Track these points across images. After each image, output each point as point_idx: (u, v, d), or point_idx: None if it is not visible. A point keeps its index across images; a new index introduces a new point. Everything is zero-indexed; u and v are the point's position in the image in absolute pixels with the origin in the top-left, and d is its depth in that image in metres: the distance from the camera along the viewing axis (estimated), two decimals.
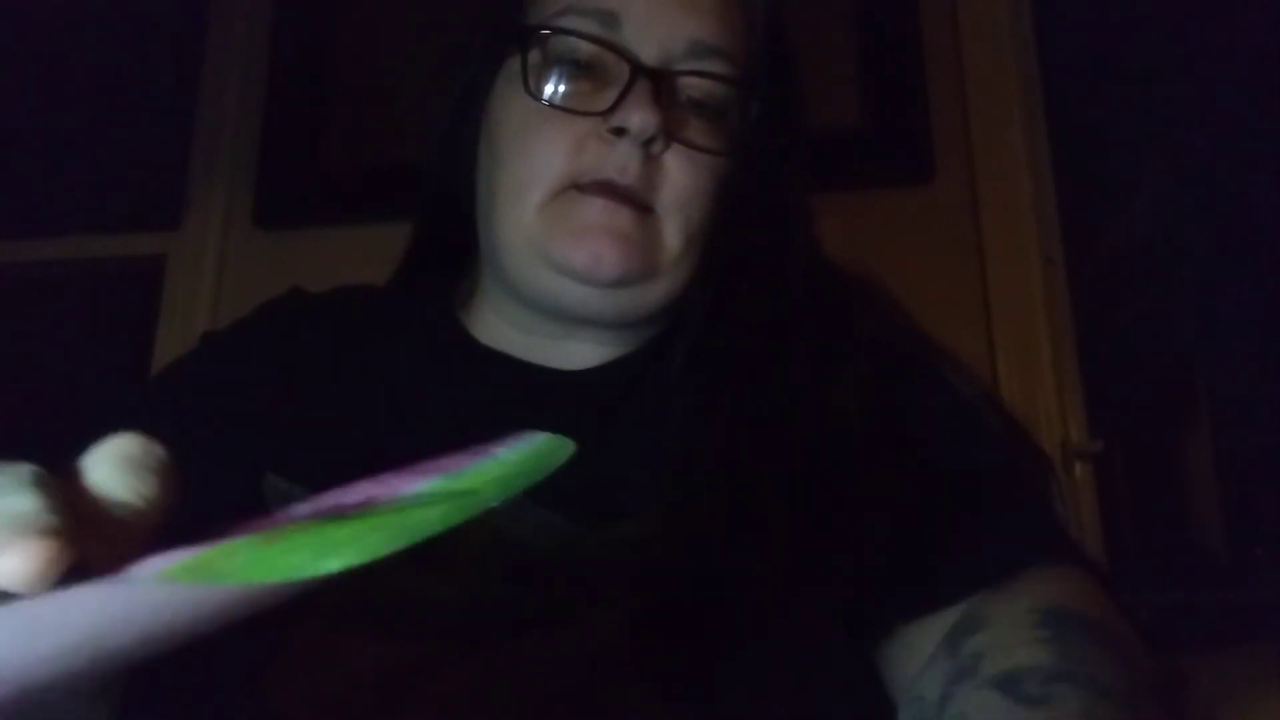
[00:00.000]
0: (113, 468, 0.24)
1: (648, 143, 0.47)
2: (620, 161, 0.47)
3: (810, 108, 0.59)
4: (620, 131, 0.47)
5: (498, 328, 0.54)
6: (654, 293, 0.50)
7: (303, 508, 0.22)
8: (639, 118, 0.46)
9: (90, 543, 0.21)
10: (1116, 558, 1.21)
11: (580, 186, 0.48)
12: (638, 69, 0.48)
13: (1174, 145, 1.45)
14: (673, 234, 0.49)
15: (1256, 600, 1.16)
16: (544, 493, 0.44)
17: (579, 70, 0.49)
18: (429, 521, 0.22)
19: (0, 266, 1.32)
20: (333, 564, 0.21)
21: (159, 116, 1.30)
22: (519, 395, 0.50)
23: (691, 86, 0.49)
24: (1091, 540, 1.07)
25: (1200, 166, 1.42)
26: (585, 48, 0.49)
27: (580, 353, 0.52)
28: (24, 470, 0.23)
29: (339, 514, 0.22)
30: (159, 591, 0.20)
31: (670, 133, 0.48)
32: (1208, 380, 1.51)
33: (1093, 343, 1.18)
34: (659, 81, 0.48)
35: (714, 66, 0.50)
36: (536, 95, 0.49)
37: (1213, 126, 1.38)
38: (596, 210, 0.48)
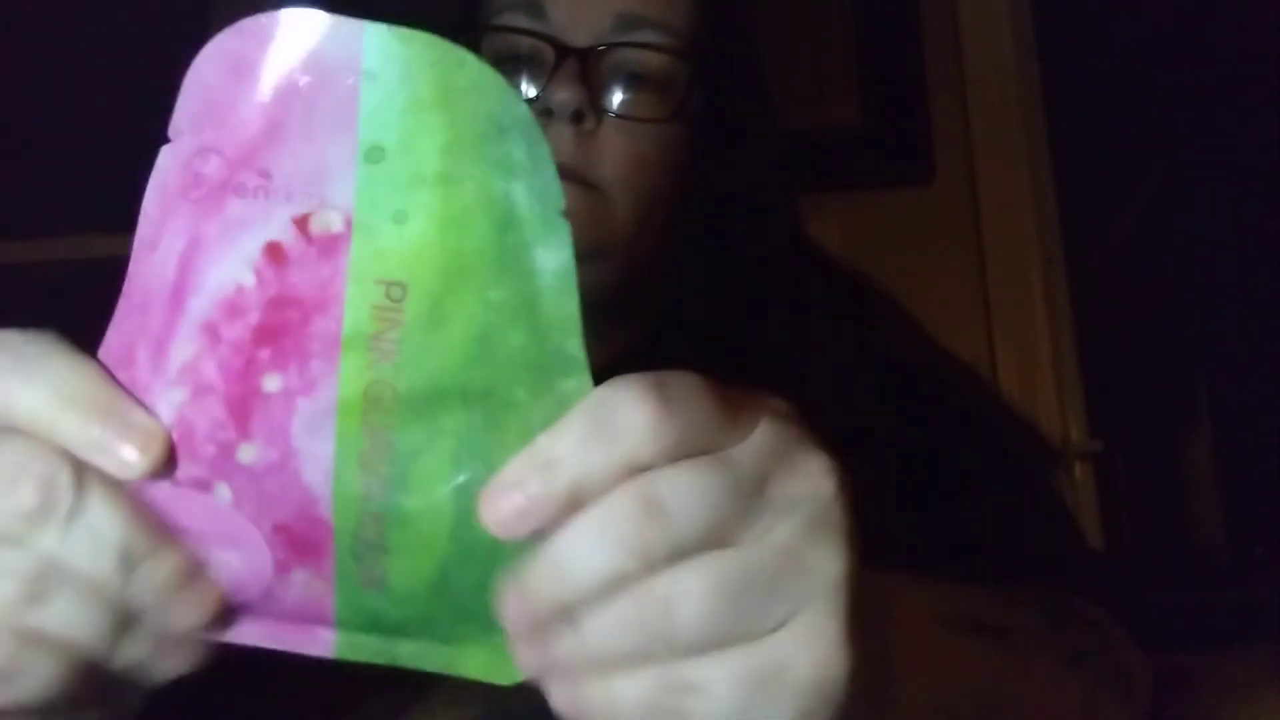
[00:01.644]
0: None
1: (578, 120, 0.48)
2: (553, 142, 0.48)
3: (767, 83, 0.58)
4: (548, 113, 0.48)
5: None
6: (609, 271, 0.50)
7: None
8: (559, 95, 0.48)
9: None
10: (1116, 558, 1.21)
11: None
12: (561, 51, 0.48)
13: (1174, 145, 1.44)
14: (623, 208, 0.49)
15: (1256, 600, 1.16)
16: None
17: (519, 64, 0.50)
18: None
19: (0, 266, 1.32)
20: None
21: (159, 116, 1.30)
22: None
23: (627, 60, 0.50)
24: (1091, 540, 1.07)
25: (1200, 166, 1.42)
26: (525, 41, 0.50)
27: None
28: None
29: None
30: None
31: (604, 107, 0.49)
32: (1208, 380, 1.51)
33: (1093, 343, 1.17)
34: (586, 60, 0.48)
35: (644, 37, 0.50)
36: None
37: (1213, 126, 1.37)
38: None
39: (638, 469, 0.22)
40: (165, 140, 0.26)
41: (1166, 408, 1.56)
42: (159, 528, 0.24)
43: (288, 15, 0.24)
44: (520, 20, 0.50)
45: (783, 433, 0.24)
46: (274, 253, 0.24)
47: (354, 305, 0.24)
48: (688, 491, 0.22)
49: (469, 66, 0.24)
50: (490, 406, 0.24)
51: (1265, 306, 1.27)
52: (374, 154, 0.24)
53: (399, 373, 0.24)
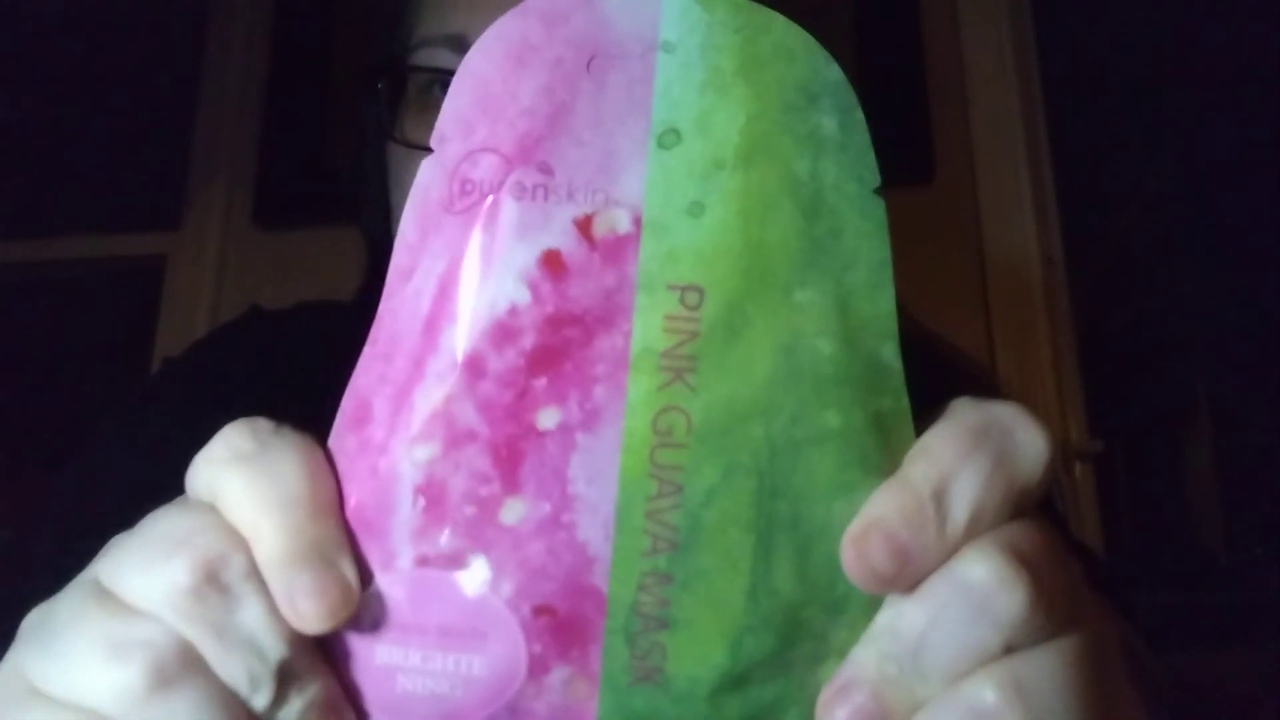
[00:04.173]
0: None
1: None
2: None
3: None
4: None
5: None
6: None
7: None
8: None
9: None
10: (1116, 558, 1.21)
11: None
12: None
13: (1174, 145, 1.44)
14: None
15: (1256, 600, 1.16)
16: None
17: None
18: None
19: (0, 266, 1.32)
20: None
21: (159, 116, 1.30)
22: None
23: None
24: (1091, 540, 1.06)
25: (1200, 166, 1.42)
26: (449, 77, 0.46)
27: None
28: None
29: None
30: None
31: None
32: (1208, 380, 1.51)
33: (1093, 343, 1.17)
34: None
35: None
36: (401, 140, 0.47)
37: (1213, 126, 1.37)
38: None
39: (1027, 510, 0.20)
40: (164, 140, 0.24)
41: (1166, 408, 1.55)
42: (313, 649, 0.21)
43: None
44: (443, 57, 0.45)
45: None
46: (552, 262, 0.21)
47: (644, 317, 0.21)
48: (1062, 561, 0.20)
49: (776, 29, 0.21)
50: (796, 434, 0.21)
51: (1265, 306, 1.27)
52: (668, 138, 0.21)
53: (694, 396, 0.21)
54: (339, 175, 1.24)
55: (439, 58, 0.46)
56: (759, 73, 0.21)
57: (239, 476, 0.21)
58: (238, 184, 1.27)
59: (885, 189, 0.22)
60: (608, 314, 0.21)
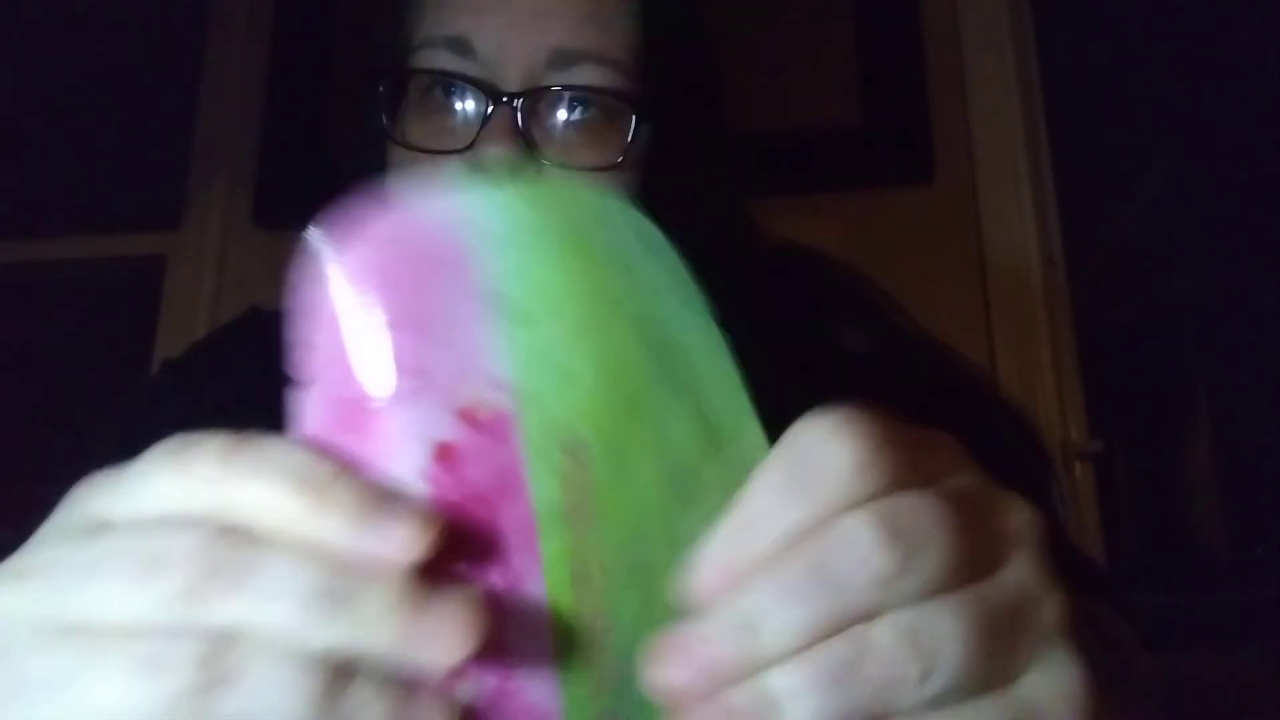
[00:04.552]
0: None
1: (514, 173, 0.44)
2: None
3: (725, 98, 0.55)
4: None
5: None
6: None
7: None
8: (492, 152, 0.44)
9: None
10: (1116, 558, 1.21)
11: None
12: (494, 98, 0.45)
13: (1174, 145, 1.45)
14: None
15: (1256, 600, 1.16)
16: None
17: (446, 105, 0.46)
18: None
19: (0, 266, 1.32)
20: None
21: (159, 116, 1.30)
22: None
23: (566, 99, 0.46)
24: (1092, 540, 1.07)
25: (1200, 166, 1.42)
26: (451, 81, 0.46)
27: None
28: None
29: None
30: None
31: (545, 154, 0.45)
32: (1208, 380, 1.51)
33: (1093, 343, 1.18)
34: (522, 104, 0.45)
35: (584, 73, 0.45)
36: (401, 140, 0.47)
37: (1213, 126, 1.38)
38: None
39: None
40: (164, 140, 0.23)
41: (1166, 408, 1.56)
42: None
43: (403, 210, 0.23)
44: (446, 60, 0.45)
45: (972, 468, 0.23)
46: (445, 454, 0.22)
47: (540, 481, 0.22)
48: (927, 522, 0.21)
49: (592, 203, 0.24)
50: (695, 531, 0.22)
51: (1265, 307, 1.27)
52: (525, 319, 0.23)
53: (600, 538, 0.22)
54: (339, 175, 1.24)
55: (440, 59, 0.46)
56: (590, 243, 0.24)
57: (242, 481, 0.21)
58: (238, 184, 1.27)
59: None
60: (508, 486, 0.22)
